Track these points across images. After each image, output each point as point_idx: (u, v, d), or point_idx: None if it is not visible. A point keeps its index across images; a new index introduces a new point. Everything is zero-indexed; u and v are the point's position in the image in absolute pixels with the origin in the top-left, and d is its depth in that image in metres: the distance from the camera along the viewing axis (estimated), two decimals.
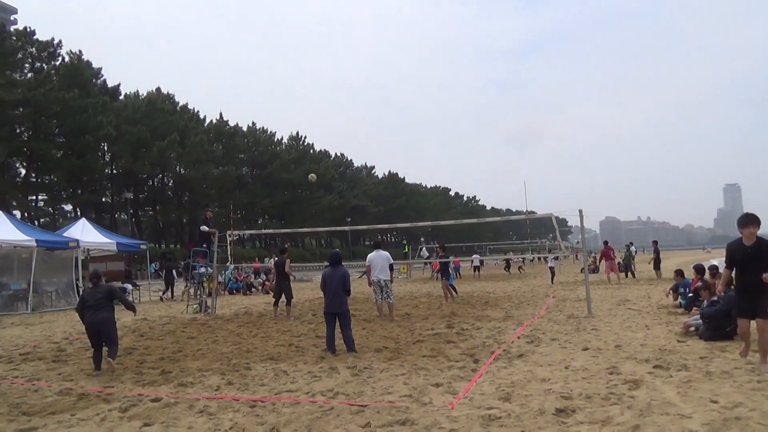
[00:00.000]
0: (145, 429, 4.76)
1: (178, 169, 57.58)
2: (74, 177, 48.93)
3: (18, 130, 45.06)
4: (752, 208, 15.19)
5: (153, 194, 58.63)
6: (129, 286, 21.48)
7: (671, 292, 12.33)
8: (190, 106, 59.81)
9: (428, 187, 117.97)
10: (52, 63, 48.73)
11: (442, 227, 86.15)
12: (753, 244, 5.85)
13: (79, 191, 50.31)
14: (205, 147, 56.64)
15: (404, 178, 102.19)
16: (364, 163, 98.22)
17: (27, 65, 47.43)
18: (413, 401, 5.28)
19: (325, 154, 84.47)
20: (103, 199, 54.55)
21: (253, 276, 25.93)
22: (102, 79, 52.95)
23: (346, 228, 42.22)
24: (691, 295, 10.92)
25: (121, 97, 54.40)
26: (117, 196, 52.79)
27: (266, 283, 23.32)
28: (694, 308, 10.06)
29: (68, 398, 5.86)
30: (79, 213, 47.63)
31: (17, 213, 43.98)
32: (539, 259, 53.93)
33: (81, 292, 13.85)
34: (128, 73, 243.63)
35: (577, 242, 51.90)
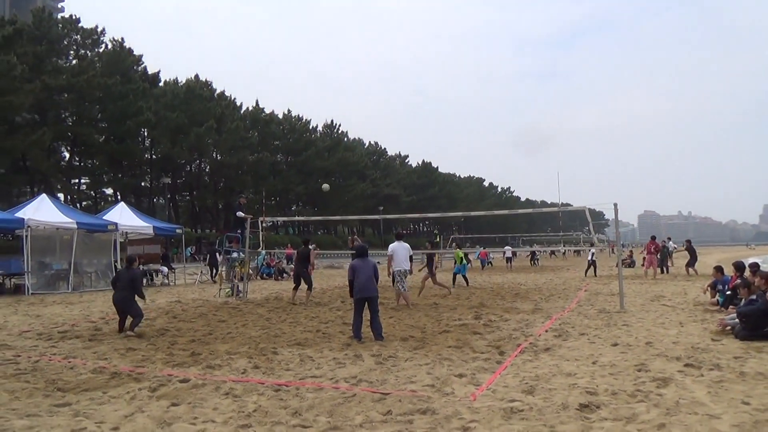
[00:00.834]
0: (172, 408, 4.88)
1: (214, 155, 58.50)
2: (115, 161, 50.33)
3: (63, 115, 46.50)
4: None
5: (190, 179, 59.74)
6: (165, 269, 22.08)
7: (709, 288, 11.94)
8: (227, 93, 60.65)
9: (462, 176, 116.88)
10: (96, 50, 50.07)
11: (473, 218, 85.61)
12: None
13: (120, 175, 51.65)
14: (241, 134, 57.34)
15: (438, 167, 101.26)
16: (397, 152, 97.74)
17: (72, 52, 48.86)
18: (435, 391, 5.28)
19: (359, 142, 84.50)
20: (142, 184, 55.89)
21: (285, 262, 26.31)
22: (142, 66, 54.02)
23: (378, 216, 42.26)
24: (729, 292, 10.58)
25: (161, 84, 55.38)
26: (155, 181, 54.12)
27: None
28: (731, 306, 9.75)
29: (101, 376, 6.06)
30: (119, 197, 48.93)
31: (61, 196, 45.47)
32: (573, 252, 53.17)
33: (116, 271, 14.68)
34: (168, 60, 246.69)
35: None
